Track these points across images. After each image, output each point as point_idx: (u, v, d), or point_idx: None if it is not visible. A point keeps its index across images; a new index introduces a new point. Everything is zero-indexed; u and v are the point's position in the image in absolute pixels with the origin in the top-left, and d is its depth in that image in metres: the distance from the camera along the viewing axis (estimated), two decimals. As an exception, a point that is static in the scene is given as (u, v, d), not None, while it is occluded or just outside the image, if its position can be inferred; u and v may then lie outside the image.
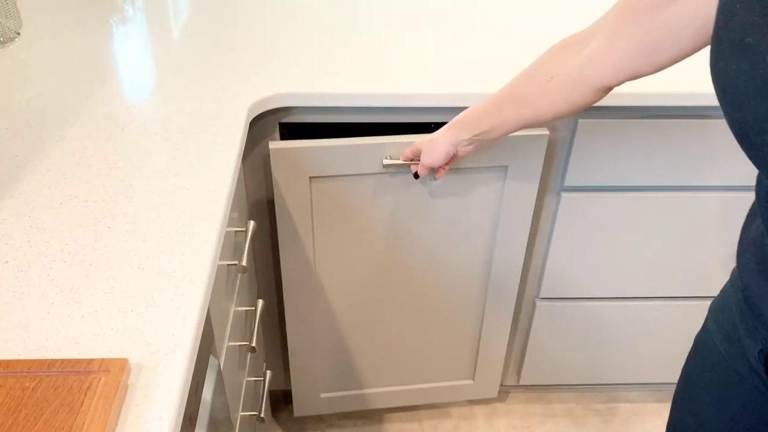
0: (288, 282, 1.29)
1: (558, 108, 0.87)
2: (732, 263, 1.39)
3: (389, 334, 1.42)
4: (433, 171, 1.10)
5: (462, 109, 1.16)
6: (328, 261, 1.28)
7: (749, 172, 1.26)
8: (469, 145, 1.01)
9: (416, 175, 1.12)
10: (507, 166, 1.20)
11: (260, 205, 1.27)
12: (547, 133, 1.17)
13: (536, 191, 1.23)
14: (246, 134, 1.05)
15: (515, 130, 0.96)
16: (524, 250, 1.32)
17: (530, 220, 1.27)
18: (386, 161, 1.14)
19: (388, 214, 1.23)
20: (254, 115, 1.11)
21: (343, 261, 1.28)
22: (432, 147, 1.04)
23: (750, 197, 1.29)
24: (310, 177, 1.15)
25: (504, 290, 1.37)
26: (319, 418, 1.65)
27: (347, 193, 1.19)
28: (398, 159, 1.14)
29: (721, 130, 1.20)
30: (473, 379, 1.54)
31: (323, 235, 1.24)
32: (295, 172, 1.14)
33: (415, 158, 1.11)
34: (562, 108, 0.87)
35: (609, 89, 0.82)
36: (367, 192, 1.20)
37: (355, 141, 1.13)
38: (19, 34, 1.28)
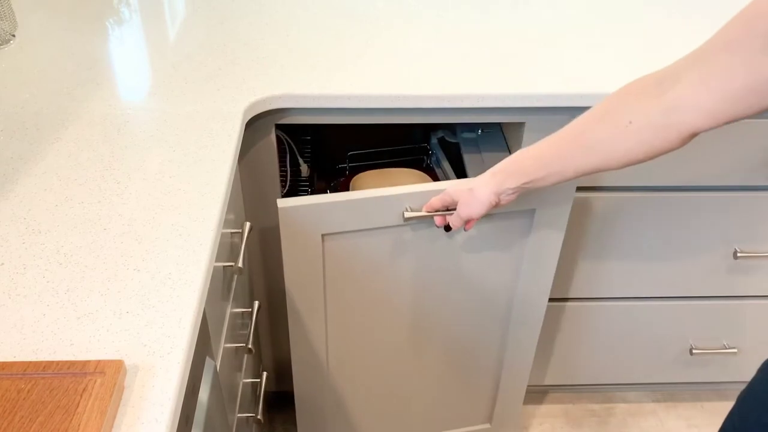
0: (296, 343, 1.20)
1: (633, 155, 0.79)
2: (731, 263, 1.40)
3: (403, 383, 1.35)
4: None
5: (458, 110, 1.17)
6: (340, 318, 1.20)
7: (750, 174, 1.26)
8: (513, 193, 0.92)
9: (447, 228, 1.03)
10: (534, 210, 1.12)
11: (256, 207, 1.27)
12: None
13: (563, 236, 1.17)
14: (242, 136, 1.05)
15: (574, 178, 0.87)
16: (548, 293, 1.25)
17: (555, 263, 1.20)
18: (408, 214, 1.03)
19: (406, 266, 1.14)
20: (250, 117, 1.11)
21: (357, 318, 1.20)
22: (473, 197, 0.94)
23: (749, 197, 1.30)
24: (323, 234, 1.05)
25: (526, 332, 1.31)
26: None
27: (363, 249, 1.10)
28: (420, 210, 1.03)
29: (720, 130, 1.20)
30: (490, 422, 1.48)
31: (336, 293, 1.15)
32: (305, 231, 1.04)
33: (444, 209, 1.01)
34: (639, 155, 0.79)
35: (697, 134, 0.74)
36: (384, 247, 1.10)
37: (371, 194, 1.03)
38: (14, 36, 1.27)
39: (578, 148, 0.83)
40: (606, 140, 0.80)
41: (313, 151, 1.58)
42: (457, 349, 1.32)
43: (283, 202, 1.01)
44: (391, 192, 1.02)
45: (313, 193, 1.53)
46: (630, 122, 0.76)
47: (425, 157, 1.57)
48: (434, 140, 1.49)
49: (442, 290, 1.20)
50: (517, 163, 0.90)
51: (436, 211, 1.02)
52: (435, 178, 1.48)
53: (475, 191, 0.93)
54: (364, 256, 1.11)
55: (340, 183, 1.47)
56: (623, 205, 1.30)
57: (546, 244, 1.17)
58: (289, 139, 1.46)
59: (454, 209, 0.99)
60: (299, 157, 1.48)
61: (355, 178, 1.43)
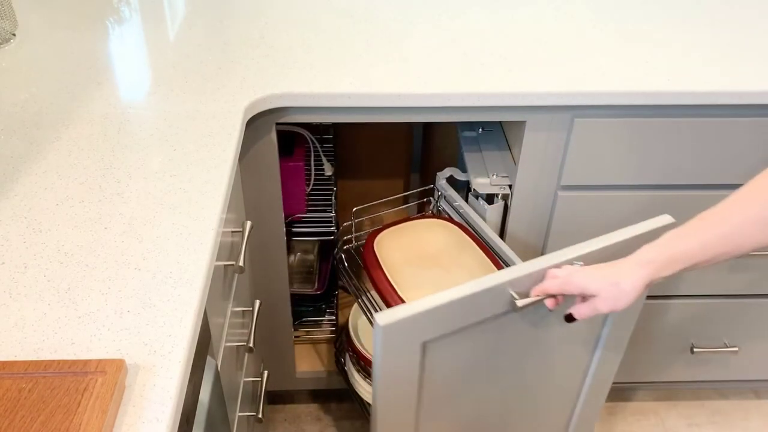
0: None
1: None
2: (732, 262, 1.39)
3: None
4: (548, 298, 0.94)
5: (459, 109, 1.17)
6: (431, 419, 1.10)
7: (745, 171, 1.26)
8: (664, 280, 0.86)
9: (570, 318, 0.93)
10: None
11: (257, 206, 1.27)
12: (673, 221, 1.03)
13: (637, 316, 1.14)
14: (242, 135, 1.05)
15: (748, 254, 0.82)
16: (614, 372, 1.23)
17: (626, 343, 1.17)
18: (521, 302, 0.94)
19: (503, 353, 1.07)
20: (250, 116, 1.11)
21: (450, 414, 1.12)
22: (620, 291, 0.85)
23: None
24: (424, 342, 0.96)
25: (591, 410, 1.29)
26: (317, 418, 1.65)
27: (463, 346, 1.01)
28: (529, 295, 0.95)
29: (718, 129, 1.21)
30: None
31: (430, 397, 1.05)
32: (405, 343, 0.93)
33: (560, 294, 0.93)
34: None
35: None
36: (484, 338, 1.02)
37: (475, 287, 0.93)
38: (14, 35, 1.27)
39: (760, 223, 0.78)
40: None
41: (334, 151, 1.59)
42: (528, 422, 1.26)
43: (383, 318, 0.89)
44: (495, 281, 0.94)
45: (336, 193, 1.53)
46: None
47: (431, 199, 1.48)
48: (442, 180, 1.42)
49: (526, 374, 1.14)
50: (677, 249, 0.84)
51: (547, 294, 0.94)
52: (455, 224, 1.39)
53: (623, 285, 0.85)
54: (463, 354, 1.02)
55: (362, 247, 1.34)
56: (620, 204, 1.30)
57: (622, 326, 1.14)
58: (313, 138, 1.46)
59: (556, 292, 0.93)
60: (323, 157, 1.48)
61: (376, 241, 1.30)
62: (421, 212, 1.50)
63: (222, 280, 0.95)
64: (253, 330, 1.12)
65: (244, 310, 1.17)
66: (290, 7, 1.42)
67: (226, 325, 0.99)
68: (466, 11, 1.41)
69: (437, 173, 1.43)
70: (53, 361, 0.63)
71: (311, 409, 1.68)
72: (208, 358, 0.85)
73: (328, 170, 1.48)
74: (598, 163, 1.24)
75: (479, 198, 1.34)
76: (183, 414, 0.68)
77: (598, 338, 1.16)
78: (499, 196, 1.31)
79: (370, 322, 1.29)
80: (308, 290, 1.62)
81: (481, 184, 1.30)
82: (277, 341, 1.49)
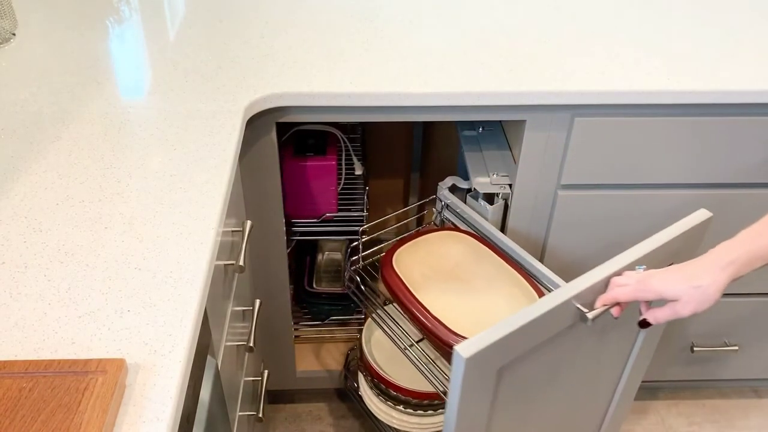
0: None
1: None
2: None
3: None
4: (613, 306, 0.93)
5: (459, 108, 1.17)
6: None
7: (745, 170, 1.26)
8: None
9: (646, 324, 0.92)
10: None
11: (257, 205, 1.27)
12: (710, 215, 1.04)
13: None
14: (242, 134, 1.05)
15: None
16: (645, 371, 1.23)
17: (656, 344, 1.18)
18: (592, 314, 0.92)
19: (568, 365, 1.06)
20: (251, 115, 1.11)
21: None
22: (703, 295, 0.84)
23: (746, 194, 1.30)
24: (500, 368, 0.93)
25: (622, 411, 1.29)
26: (318, 418, 1.65)
27: (530, 365, 0.99)
28: (594, 306, 0.94)
29: (718, 128, 1.21)
30: None
31: (498, 422, 1.03)
32: (484, 373, 0.91)
33: (636, 300, 0.92)
34: None
35: None
36: (552, 354, 1.00)
37: (548, 304, 0.91)
38: (14, 34, 1.27)
39: None
40: None
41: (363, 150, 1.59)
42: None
43: (466, 350, 0.85)
44: (562, 297, 0.92)
45: (367, 193, 1.53)
46: None
47: (434, 210, 1.46)
48: (444, 190, 1.39)
49: (578, 381, 1.13)
50: (752, 247, 0.83)
51: (616, 302, 0.93)
52: (465, 234, 1.34)
53: (706, 288, 0.84)
54: (530, 372, 1.00)
55: (379, 266, 1.29)
56: (619, 203, 1.30)
57: (654, 332, 1.14)
58: (345, 138, 1.46)
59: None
60: (354, 156, 1.49)
61: (394, 257, 1.25)
62: (424, 223, 1.48)
63: (222, 279, 0.95)
64: (254, 329, 1.12)
65: (244, 310, 1.17)
66: (290, 6, 1.42)
67: (227, 325, 0.99)
68: (466, 10, 1.41)
69: (438, 184, 1.40)
70: (54, 360, 0.63)
71: (311, 408, 1.68)
72: (209, 357, 0.85)
73: (358, 169, 1.48)
74: (598, 162, 1.24)
75: (479, 199, 1.34)
76: (183, 413, 0.68)
77: (635, 339, 1.16)
78: (500, 195, 1.31)
79: (400, 345, 1.27)
80: (337, 289, 1.63)
81: (481, 183, 1.30)
82: (277, 341, 1.49)
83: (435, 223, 1.44)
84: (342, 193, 1.49)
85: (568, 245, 1.35)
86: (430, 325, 1.12)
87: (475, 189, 1.32)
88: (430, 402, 1.32)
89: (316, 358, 1.63)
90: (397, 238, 1.32)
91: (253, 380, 1.26)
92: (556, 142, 1.22)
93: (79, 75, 1.16)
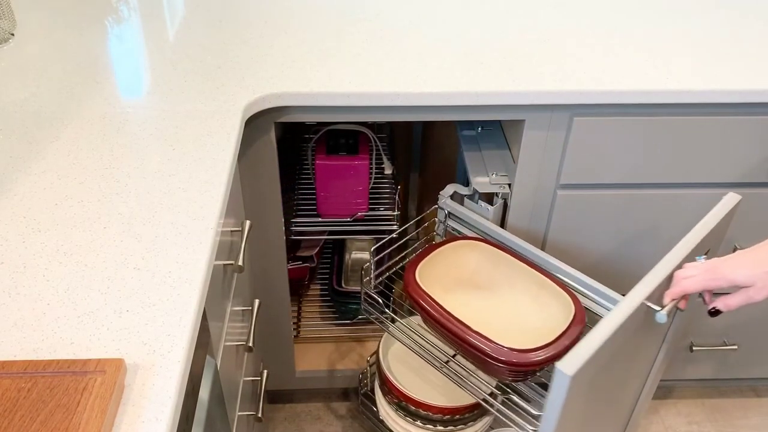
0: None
1: None
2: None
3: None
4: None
5: (458, 108, 1.17)
6: None
7: (744, 170, 1.26)
8: None
9: (717, 312, 0.92)
10: None
11: (256, 205, 1.27)
12: (740, 197, 1.05)
13: None
14: (241, 134, 1.05)
15: None
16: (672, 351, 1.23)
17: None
18: (666, 311, 0.92)
19: (626, 366, 1.06)
20: (249, 115, 1.11)
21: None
22: None
23: (745, 194, 1.30)
24: (591, 379, 0.93)
25: (649, 396, 1.29)
26: (317, 418, 1.65)
27: (607, 371, 0.98)
28: (663, 302, 0.94)
29: (717, 127, 1.21)
30: None
31: (579, 427, 1.02)
32: (581, 387, 0.89)
33: (706, 290, 0.92)
34: None
35: None
36: (622, 353, 0.99)
37: (624, 312, 0.89)
38: (13, 35, 1.27)
39: None
40: None
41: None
42: None
43: (569, 367, 0.83)
44: (637, 300, 0.91)
45: (398, 192, 1.52)
46: None
47: (437, 220, 1.42)
48: (446, 199, 1.35)
49: (630, 380, 1.13)
50: None
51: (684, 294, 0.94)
52: (477, 240, 1.32)
53: None
54: (606, 377, 0.99)
55: (404, 283, 1.23)
56: (619, 203, 1.30)
57: (684, 316, 1.14)
58: (375, 137, 1.46)
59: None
60: (384, 155, 1.48)
61: (418, 271, 1.20)
62: (426, 234, 1.47)
63: (221, 279, 0.95)
64: (253, 329, 1.12)
65: (243, 310, 1.17)
66: (289, 6, 1.42)
67: (226, 325, 0.99)
68: (465, 10, 1.41)
69: (439, 193, 1.36)
70: (52, 360, 0.63)
71: (311, 408, 1.68)
72: (208, 357, 0.85)
73: (388, 168, 1.48)
74: (597, 161, 1.24)
75: (478, 200, 1.33)
76: (182, 413, 0.68)
77: (664, 335, 1.16)
78: (499, 195, 1.31)
79: (435, 364, 1.25)
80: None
81: (480, 183, 1.30)
82: (276, 341, 1.49)
83: (437, 233, 1.41)
84: (370, 192, 1.49)
85: (567, 245, 1.35)
86: (478, 343, 1.08)
87: (474, 189, 1.32)
88: (461, 416, 1.30)
89: (316, 358, 1.63)
90: (418, 255, 1.26)
91: (252, 380, 1.26)
92: (555, 142, 1.22)
93: (78, 75, 1.16)
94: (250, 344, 1.08)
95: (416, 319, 1.38)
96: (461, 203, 1.36)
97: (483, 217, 1.32)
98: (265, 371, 1.30)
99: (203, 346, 0.83)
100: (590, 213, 1.31)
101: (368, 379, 1.54)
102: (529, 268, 1.21)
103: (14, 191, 0.88)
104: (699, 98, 1.15)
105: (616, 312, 0.89)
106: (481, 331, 1.09)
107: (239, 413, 1.10)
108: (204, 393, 0.81)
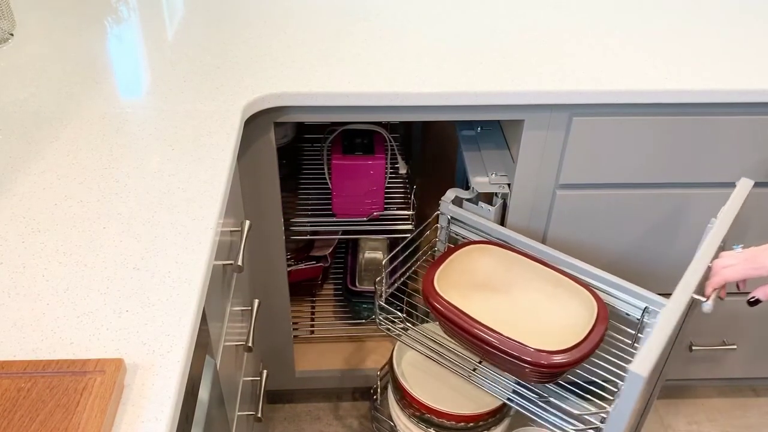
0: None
1: None
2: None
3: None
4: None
5: (457, 108, 1.17)
6: None
7: (743, 169, 1.26)
8: None
9: (757, 302, 0.95)
10: None
11: (255, 205, 1.27)
12: (753, 182, 1.08)
13: None
14: (241, 134, 1.05)
15: None
16: None
17: None
18: (711, 301, 0.94)
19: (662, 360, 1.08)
20: (249, 115, 1.11)
21: None
22: None
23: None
24: (648, 377, 0.93)
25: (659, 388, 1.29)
26: (317, 418, 1.65)
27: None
28: (708, 293, 0.96)
29: (716, 127, 1.21)
30: None
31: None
32: (647, 384, 0.91)
33: (746, 278, 0.94)
34: None
35: None
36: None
37: (676, 309, 0.91)
38: (12, 35, 1.27)
39: None
40: None
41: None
42: None
43: (641, 368, 0.84)
44: (688, 292, 0.93)
45: (414, 192, 1.52)
46: None
47: (439, 226, 1.41)
48: (448, 205, 1.34)
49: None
50: None
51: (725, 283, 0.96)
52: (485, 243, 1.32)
53: None
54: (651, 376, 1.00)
55: (424, 295, 1.21)
56: (618, 202, 1.30)
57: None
58: (390, 138, 1.46)
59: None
60: (399, 155, 1.48)
61: (437, 281, 1.18)
62: (428, 241, 1.46)
63: (221, 279, 0.95)
64: (252, 329, 1.12)
65: (243, 310, 1.17)
66: (289, 6, 1.42)
67: (225, 325, 0.99)
68: (464, 10, 1.41)
69: (440, 200, 1.34)
70: (52, 360, 0.63)
71: (310, 408, 1.68)
72: (207, 357, 0.85)
73: (402, 168, 1.48)
74: (596, 161, 1.24)
75: (478, 201, 1.33)
76: (182, 413, 0.68)
77: (680, 328, 1.16)
78: (499, 195, 1.31)
79: (462, 373, 1.24)
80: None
81: (480, 183, 1.30)
82: (276, 341, 1.49)
83: (440, 239, 1.39)
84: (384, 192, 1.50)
85: (566, 244, 1.35)
86: (513, 351, 1.07)
87: (474, 190, 1.31)
88: (485, 421, 1.28)
89: (316, 358, 1.63)
90: (434, 263, 1.24)
91: (252, 380, 1.26)
92: (555, 142, 1.22)
93: (77, 75, 1.16)
94: (250, 344, 1.08)
95: (430, 326, 1.37)
96: (460, 206, 1.36)
97: (485, 218, 1.32)
98: (265, 371, 1.30)
99: (203, 346, 0.83)
100: (590, 213, 1.31)
101: (378, 394, 1.49)
102: (543, 266, 1.21)
103: (13, 191, 0.88)
104: (698, 98, 1.15)
105: (671, 308, 0.91)
106: (511, 336, 1.08)
107: (239, 413, 1.10)
108: (203, 393, 0.81)
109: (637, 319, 1.17)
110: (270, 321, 1.45)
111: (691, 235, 1.35)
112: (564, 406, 1.14)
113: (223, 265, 0.96)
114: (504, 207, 1.33)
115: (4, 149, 0.97)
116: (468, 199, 1.34)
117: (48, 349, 0.67)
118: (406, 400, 1.30)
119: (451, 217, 1.35)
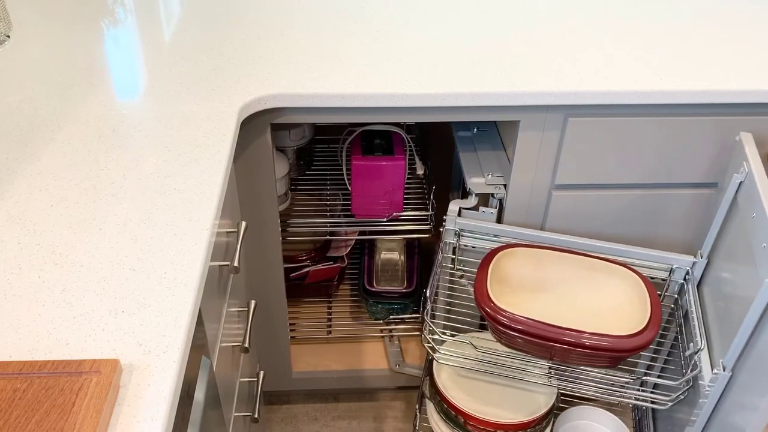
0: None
1: None
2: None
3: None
4: None
5: (453, 109, 1.17)
6: None
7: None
8: None
9: None
10: None
11: (252, 206, 1.28)
12: (749, 134, 1.12)
13: None
14: (237, 135, 1.05)
15: None
16: None
17: None
18: None
19: None
20: (245, 116, 1.11)
21: None
22: None
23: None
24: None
25: None
26: (314, 419, 1.65)
27: None
28: None
29: (712, 128, 1.21)
30: None
31: None
32: None
33: None
34: None
35: None
36: None
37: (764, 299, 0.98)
38: (8, 36, 1.27)
39: None
40: None
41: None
42: None
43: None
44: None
45: (433, 192, 1.52)
46: None
47: (446, 242, 1.37)
48: (455, 217, 1.32)
49: None
50: None
51: None
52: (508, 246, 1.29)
53: None
54: None
55: (486, 311, 1.17)
56: (614, 203, 1.30)
57: None
58: (409, 138, 1.46)
59: None
60: (416, 156, 1.49)
61: (492, 297, 1.16)
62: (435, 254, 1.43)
63: (217, 280, 0.95)
64: (249, 330, 1.12)
65: (239, 311, 1.17)
66: (286, 8, 1.42)
67: (222, 325, 0.99)
68: (460, 11, 1.42)
69: (445, 216, 1.31)
70: (48, 361, 0.63)
71: (307, 409, 1.68)
72: (203, 358, 0.86)
73: (420, 169, 1.48)
74: (591, 162, 1.24)
75: (477, 207, 1.32)
76: (178, 414, 0.68)
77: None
78: (495, 195, 1.32)
79: (536, 381, 1.25)
80: (398, 288, 1.64)
81: (476, 183, 1.30)
82: (273, 341, 1.49)
83: (444, 254, 1.35)
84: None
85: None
86: (594, 342, 1.08)
87: (472, 196, 1.31)
88: (533, 428, 1.27)
89: (312, 359, 1.63)
90: (472, 282, 1.23)
91: (248, 381, 1.26)
92: (550, 143, 1.23)
93: (73, 77, 1.16)
94: (246, 345, 1.08)
95: (466, 337, 1.30)
96: (458, 215, 1.35)
97: (492, 223, 1.31)
98: (262, 372, 1.30)
99: (199, 347, 0.83)
100: (585, 213, 1.31)
101: (418, 419, 1.42)
102: (571, 254, 1.22)
103: (9, 193, 0.88)
104: (693, 99, 1.16)
105: (761, 297, 0.96)
106: (583, 329, 1.10)
107: (235, 414, 1.10)
108: (199, 394, 0.81)
109: (663, 279, 1.22)
110: (266, 322, 1.45)
111: (690, 235, 1.36)
112: (661, 381, 1.17)
113: (220, 266, 0.96)
114: (500, 208, 1.34)
115: None
116: (468, 208, 1.34)
117: (44, 349, 0.67)
118: (461, 418, 1.26)
119: (457, 231, 1.33)
